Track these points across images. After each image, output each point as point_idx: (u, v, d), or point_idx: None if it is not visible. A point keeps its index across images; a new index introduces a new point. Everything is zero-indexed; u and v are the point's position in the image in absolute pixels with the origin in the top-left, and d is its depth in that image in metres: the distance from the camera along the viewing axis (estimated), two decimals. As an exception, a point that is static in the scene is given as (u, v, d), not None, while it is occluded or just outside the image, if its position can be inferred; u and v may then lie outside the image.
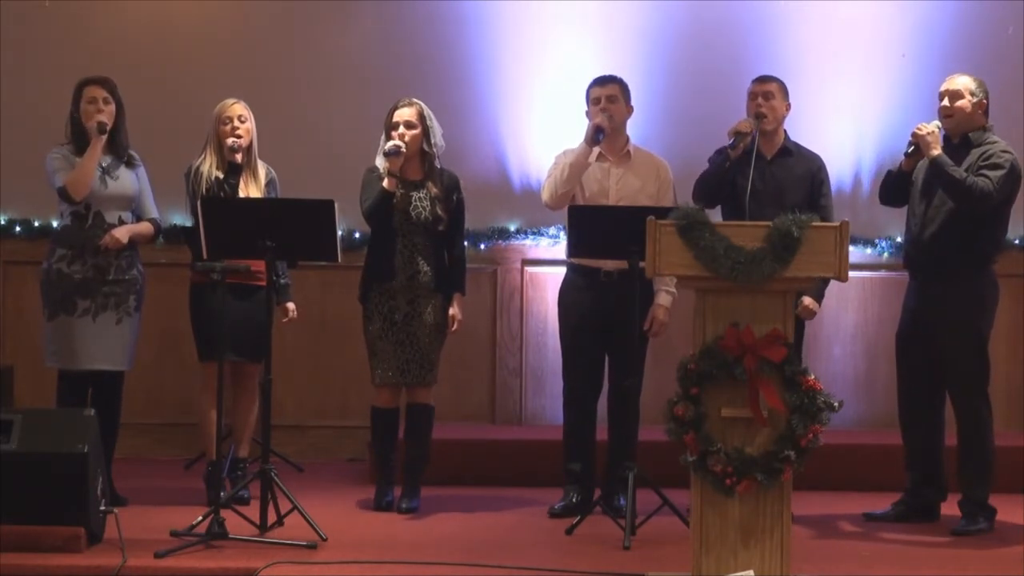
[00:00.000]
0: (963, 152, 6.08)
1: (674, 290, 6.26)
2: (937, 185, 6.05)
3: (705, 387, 4.78)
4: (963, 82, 6.14)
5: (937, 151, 6.00)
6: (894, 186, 6.28)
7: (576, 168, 6.26)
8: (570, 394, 6.41)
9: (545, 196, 6.40)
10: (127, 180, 6.32)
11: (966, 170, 5.99)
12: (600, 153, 6.34)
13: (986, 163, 6.00)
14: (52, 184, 6.25)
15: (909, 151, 6.15)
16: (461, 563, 5.27)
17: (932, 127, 6.06)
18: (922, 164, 6.18)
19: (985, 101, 6.14)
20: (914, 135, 6.09)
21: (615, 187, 6.36)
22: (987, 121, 6.16)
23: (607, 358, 6.36)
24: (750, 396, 4.76)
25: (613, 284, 6.24)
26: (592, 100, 6.36)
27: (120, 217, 6.29)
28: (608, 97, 6.32)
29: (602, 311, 6.26)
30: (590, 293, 6.31)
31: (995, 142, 6.09)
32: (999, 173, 5.97)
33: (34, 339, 7.58)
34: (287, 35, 7.92)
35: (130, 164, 6.36)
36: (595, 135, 6.22)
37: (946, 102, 6.13)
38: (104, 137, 6.17)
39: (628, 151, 6.42)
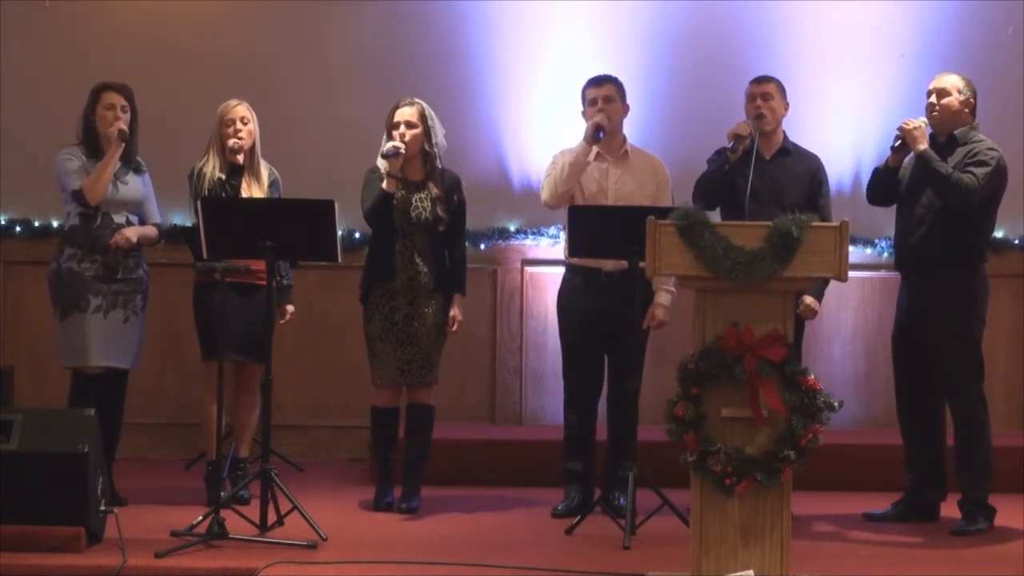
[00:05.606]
0: (949, 150, 6.10)
1: (673, 289, 6.26)
2: (923, 180, 6.06)
3: (705, 387, 4.78)
4: (951, 80, 6.17)
5: (924, 146, 6.03)
6: (882, 183, 6.29)
7: (576, 167, 6.27)
8: (571, 394, 6.40)
9: (545, 195, 6.40)
10: (135, 185, 6.34)
11: (952, 167, 6.00)
12: (598, 153, 6.34)
13: (972, 160, 6.03)
14: (65, 185, 6.26)
15: (896, 145, 6.17)
16: (461, 563, 5.27)
17: (919, 122, 6.09)
18: (910, 164, 6.20)
19: (972, 100, 6.17)
20: (901, 129, 6.11)
21: (613, 187, 6.36)
22: (974, 120, 6.17)
23: (607, 358, 6.36)
24: (750, 396, 4.76)
25: (614, 284, 6.24)
26: (589, 101, 6.36)
27: (128, 218, 6.31)
28: (605, 97, 6.32)
29: (602, 311, 6.26)
30: (590, 294, 6.31)
31: (981, 140, 6.11)
32: (985, 170, 5.99)
33: (34, 339, 7.61)
34: (288, 35, 7.92)
35: (138, 170, 6.38)
36: (595, 133, 6.23)
37: (933, 99, 6.16)
38: (124, 144, 6.19)
39: (626, 151, 6.43)
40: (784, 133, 6.41)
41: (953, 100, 6.13)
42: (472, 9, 7.94)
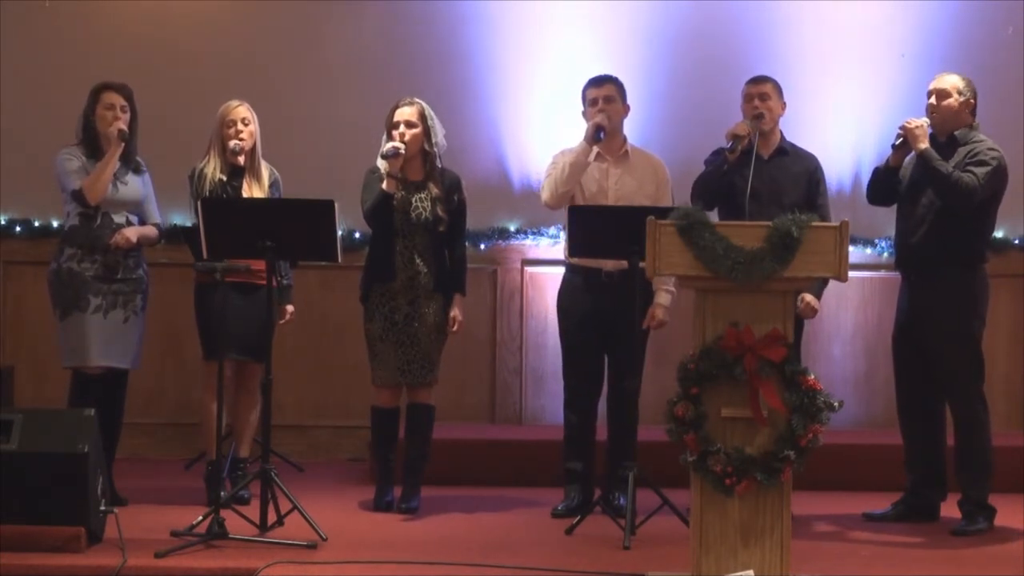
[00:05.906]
0: (950, 151, 6.11)
1: (673, 289, 6.26)
2: (924, 180, 6.07)
3: (705, 387, 4.78)
4: (951, 81, 6.17)
5: (925, 144, 6.04)
6: (882, 183, 6.30)
7: (576, 167, 6.27)
8: (571, 394, 6.40)
9: (545, 195, 6.40)
10: (135, 186, 6.35)
11: (953, 167, 6.01)
12: (598, 153, 6.34)
13: (972, 160, 6.04)
14: (64, 185, 6.26)
15: (897, 143, 6.18)
16: (461, 563, 5.27)
17: (921, 121, 6.10)
18: (910, 163, 6.20)
19: (972, 101, 6.17)
20: (903, 128, 6.12)
21: (613, 187, 6.36)
22: (974, 120, 6.18)
23: (607, 358, 6.36)
24: (750, 396, 4.76)
25: (614, 284, 6.24)
26: (589, 101, 6.36)
27: (128, 218, 6.31)
28: (605, 97, 6.33)
29: (603, 311, 6.26)
30: (590, 294, 6.31)
31: (981, 140, 6.12)
32: (985, 170, 6.00)
33: (34, 339, 7.61)
34: (288, 35, 7.92)
35: (137, 170, 6.38)
36: (595, 134, 6.23)
37: (933, 100, 6.17)
38: (123, 144, 6.19)
39: (626, 151, 6.43)
40: (781, 133, 6.41)
41: (953, 101, 6.13)
42: (472, 9, 7.94)
